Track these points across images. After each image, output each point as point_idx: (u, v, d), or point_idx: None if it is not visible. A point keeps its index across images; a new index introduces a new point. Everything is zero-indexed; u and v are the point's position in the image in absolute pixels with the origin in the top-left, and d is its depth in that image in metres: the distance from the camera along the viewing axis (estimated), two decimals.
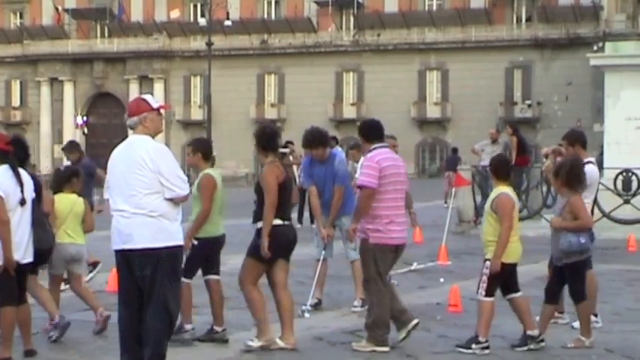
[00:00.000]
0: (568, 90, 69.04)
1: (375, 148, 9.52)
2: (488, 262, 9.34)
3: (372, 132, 9.69)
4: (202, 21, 70.96)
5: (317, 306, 11.75)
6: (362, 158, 10.82)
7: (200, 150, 10.14)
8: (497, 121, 63.41)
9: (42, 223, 9.18)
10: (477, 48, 72.15)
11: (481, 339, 9.32)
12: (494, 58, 71.21)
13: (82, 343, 9.83)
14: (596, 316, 10.68)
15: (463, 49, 72.60)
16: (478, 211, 23.46)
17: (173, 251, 7.71)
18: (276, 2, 78.38)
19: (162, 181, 7.59)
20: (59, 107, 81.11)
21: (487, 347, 9.30)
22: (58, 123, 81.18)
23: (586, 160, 10.69)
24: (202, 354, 9.39)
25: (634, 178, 20.93)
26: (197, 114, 77.54)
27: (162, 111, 8.02)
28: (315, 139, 11.67)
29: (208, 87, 65.59)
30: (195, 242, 9.76)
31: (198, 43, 75.63)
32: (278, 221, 9.40)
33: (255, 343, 9.43)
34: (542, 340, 9.46)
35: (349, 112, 75.24)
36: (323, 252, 11.77)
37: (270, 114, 76.81)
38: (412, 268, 15.75)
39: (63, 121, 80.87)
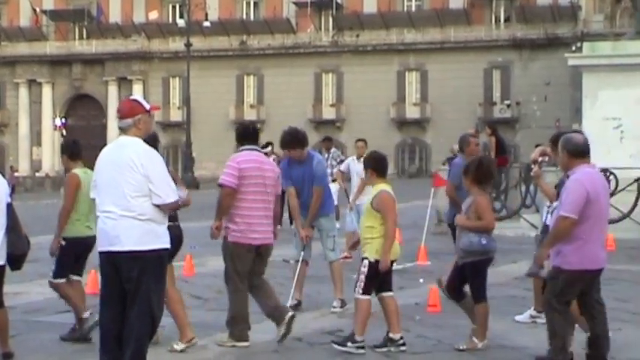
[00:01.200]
0: (547, 90, 69.32)
1: (241, 150, 9.82)
2: (365, 261, 9.33)
3: (241, 136, 10.09)
4: (181, 22, 70.83)
5: (297, 307, 11.74)
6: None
7: (65, 151, 10.43)
8: (477, 122, 63.52)
9: (16, 228, 9.11)
10: (456, 48, 72.34)
11: (357, 338, 9.32)
12: (473, 58, 71.41)
13: (62, 346, 9.79)
14: None
15: (442, 49, 72.77)
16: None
17: (159, 254, 7.71)
18: (255, 3, 78.37)
19: (151, 187, 7.56)
20: (37, 109, 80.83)
21: (362, 347, 9.28)
22: (37, 125, 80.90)
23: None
24: (180, 355, 9.37)
25: (612, 177, 21.00)
26: (176, 115, 77.37)
27: (153, 113, 8.06)
28: (294, 139, 11.67)
29: (187, 88, 65.46)
30: (64, 242, 10.01)
31: (176, 45, 75.47)
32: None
33: (179, 346, 9.49)
34: (403, 344, 9.38)
35: (328, 113, 75.31)
36: (302, 253, 11.77)
37: (250, 115, 76.74)
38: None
39: (41, 122, 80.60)
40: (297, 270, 11.82)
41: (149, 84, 79.02)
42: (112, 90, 78.73)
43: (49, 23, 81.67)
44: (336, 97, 75.84)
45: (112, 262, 7.69)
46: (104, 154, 7.86)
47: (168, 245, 7.79)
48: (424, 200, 20.82)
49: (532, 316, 10.96)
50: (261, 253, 9.94)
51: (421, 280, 14.31)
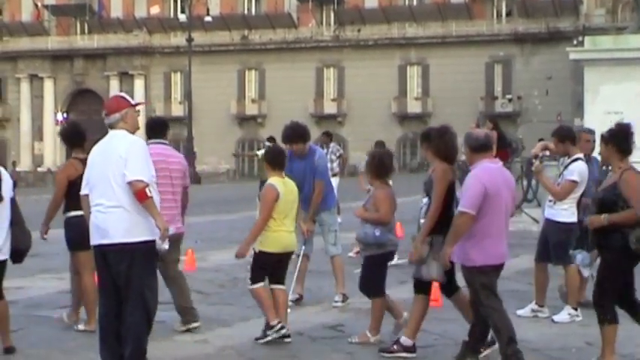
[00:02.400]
0: (548, 84, 69.27)
1: (149, 144, 9.81)
2: (251, 251, 9.64)
3: (149, 129, 10.78)
4: (182, 17, 70.86)
5: (298, 301, 11.76)
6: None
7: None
8: (478, 116, 63.45)
9: (20, 222, 9.15)
10: (458, 43, 72.27)
11: (272, 323, 9.47)
12: (474, 52, 71.34)
13: (63, 340, 9.80)
14: (576, 309, 10.74)
15: (443, 44, 72.70)
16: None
17: (148, 245, 7.75)
18: None
19: (124, 169, 7.63)
20: (39, 104, 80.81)
21: (283, 328, 9.47)
22: (38, 120, 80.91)
23: (575, 156, 10.77)
24: (181, 349, 9.39)
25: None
26: (177, 110, 77.36)
27: (138, 108, 8.15)
28: (295, 133, 11.67)
29: (189, 83, 65.47)
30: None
31: (178, 39, 75.46)
32: (75, 212, 9.69)
33: (82, 327, 10.03)
34: (282, 328, 9.54)
35: (330, 108, 75.28)
36: (303, 247, 11.78)
37: (251, 110, 76.79)
38: (393, 263, 15.73)
39: (43, 117, 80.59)
40: (299, 264, 11.82)
41: (151, 79, 79.02)
42: (114, 85, 78.68)
43: (50, 18, 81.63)
44: (337, 91, 75.80)
45: (104, 255, 7.77)
46: (94, 150, 8.01)
47: (154, 237, 7.79)
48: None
49: (533, 310, 10.98)
50: (170, 241, 10.00)
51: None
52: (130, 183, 7.63)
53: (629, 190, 8.21)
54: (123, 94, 8.34)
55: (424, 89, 74.13)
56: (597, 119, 22.53)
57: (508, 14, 73.39)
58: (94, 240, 7.82)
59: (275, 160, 9.89)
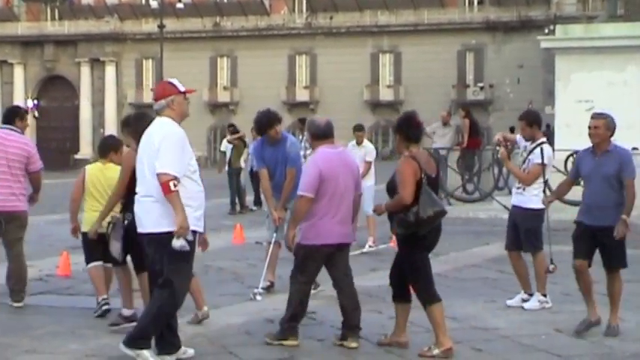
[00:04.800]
0: (520, 72, 69.49)
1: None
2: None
3: (3, 116, 11.09)
4: (154, 3, 70.49)
5: (269, 289, 11.74)
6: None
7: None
8: (450, 104, 63.70)
9: None
10: (430, 31, 72.36)
11: (99, 298, 10.15)
12: (446, 40, 71.46)
13: (32, 328, 9.75)
14: (545, 296, 10.78)
15: (416, 32, 72.78)
16: None
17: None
18: None
19: (157, 157, 7.67)
20: (9, 90, 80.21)
21: (106, 304, 10.03)
22: (9, 106, 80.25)
23: (540, 140, 10.82)
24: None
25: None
26: (149, 97, 76.60)
27: (187, 95, 8.09)
28: (270, 118, 11.70)
29: (160, 70, 65.22)
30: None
31: (149, 26, 75.14)
32: None
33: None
34: (106, 304, 10.13)
35: (302, 95, 75.23)
36: (275, 235, 11.76)
37: (223, 97, 76.60)
38: (364, 250, 15.82)
39: (13, 104, 79.95)
40: (270, 252, 11.82)
41: (122, 65, 78.65)
42: (85, 71, 78.29)
43: (20, 4, 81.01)
44: (309, 79, 75.74)
45: (142, 242, 8.00)
46: (142, 139, 8.01)
47: (192, 227, 7.79)
48: None
49: (524, 300, 10.88)
50: (8, 219, 10.69)
51: None
52: (158, 175, 7.65)
53: (398, 176, 8.62)
54: (173, 79, 8.21)
55: (396, 77, 74.20)
56: (568, 108, 22.70)
57: (480, 2, 73.54)
58: (137, 228, 8.01)
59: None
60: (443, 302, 8.76)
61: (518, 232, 10.90)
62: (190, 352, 8.28)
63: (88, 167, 10.53)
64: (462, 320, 9.98)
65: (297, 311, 8.94)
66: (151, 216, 7.75)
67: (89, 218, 10.10)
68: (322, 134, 9.07)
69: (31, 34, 79.47)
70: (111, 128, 77.00)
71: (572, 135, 22.18)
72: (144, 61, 78.42)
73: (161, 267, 7.81)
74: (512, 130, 43.47)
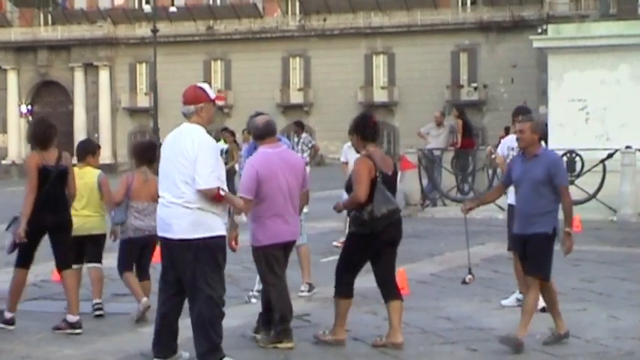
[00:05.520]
0: (513, 72, 69.52)
1: None
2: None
3: None
4: (147, 7, 70.57)
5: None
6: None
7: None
8: (444, 105, 63.68)
9: None
10: (423, 32, 72.35)
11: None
12: (440, 41, 71.46)
13: (27, 333, 9.75)
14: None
15: (409, 33, 72.76)
16: (425, 195, 23.62)
17: (213, 241, 7.74)
18: None
19: (194, 172, 7.63)
20: (3, 96, 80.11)
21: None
22: (2, 112, 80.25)
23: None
24: (146, 341, 9.34)
25: (577, 159, 21.13)
26: (143, 101, 77.04)
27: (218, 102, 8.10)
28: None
29: (154, 74, 65.18)
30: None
31: (143, 30, 75.06)
32: None
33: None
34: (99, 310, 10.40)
35: (296, 98, 75.21)
36: None
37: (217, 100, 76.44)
38: None
39: (7, 110, 79.94)
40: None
41: (116, 70, 78.57)
42: (79, 76, 78.21)
43: (13, 9, 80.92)
44: (303, 81, 75.72)
45: (168, 247, 7.86)
46: (166, 142, 7.99)
47: (222, 232, 7.82)
48: None
49: (519, 300, 10.71)
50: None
51: None
52: (203, 191, 7.64)
53: (353, 175, 8.80)
54: (203, 85, 8.15)
55: (390, 78, 74.19)
56: (561, 107, 22.73)
57: (473, 3, 73.53)
58: (159, 231, 7.91)
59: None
60: (351, 300, 9.06)
61: None
62: (185, 355, 8.27)
63: None
64: (457, 320, 10.00)
65: (283, 311, 8.95)
66: (182, 222, 7.69)
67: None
68: (261, 134, 9.20)
69: (24, 39, 79.37)
70: (105, 133, 77.08)
71: (565, 134, 22.25)
72: (137, 66, 78.35)
73: (193, 273, 7.75)
74: (507, 130, 43.51)
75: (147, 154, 10.59)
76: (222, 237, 7.86)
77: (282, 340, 8.90)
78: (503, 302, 10.89)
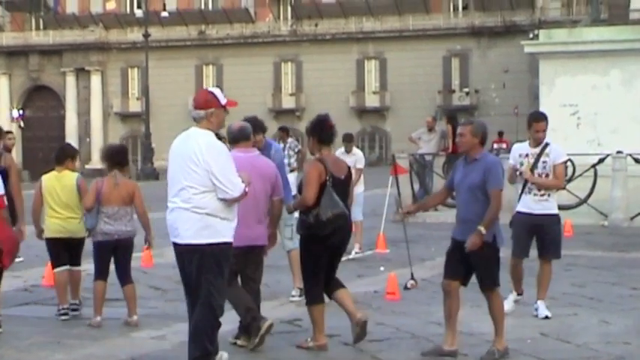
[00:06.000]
0: (505, 77, 69.61)
1: None
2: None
3: None
4: (139, 12, 70.48)
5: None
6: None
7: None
8: (436, 110, 63.75)
9: None
10: (415, 37, 72.42)
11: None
12: (431, 46, 71.55)
13: (18, 339, 9.73)
14: (521, 295, 10.72)
15: (401, 37, 72.83)
16: (417, 199, 23.61)
17: (219, 247, 7.69)
18: None
19: (214, 181, 7.60)
20: None
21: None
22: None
23: (546, 141, 10.55)
24: (138, 346, 9.34)
25: (569, 164, 21.15)
26: (135, 106, 77.00)
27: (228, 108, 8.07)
28: (256, 125, 11.70)
29: (146, 79, 65.14)
30: None
31: (134, 35, 75.05)
32: None
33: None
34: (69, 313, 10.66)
35: (288, 102, 75.23)
36: (292, 242, 11.76)
37: None
38: (350, 256, 15.82)
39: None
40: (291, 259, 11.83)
41: (107, 75, 78.53)
42: (70, 81, 78.14)
43: (4, 14, 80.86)
44: (295, 86, 75.75)
45: (177, 252, 7.87)
46: (174, 146, 7.94)
47: (229, 239, 7.78)
48: (384, 189, 20.85)
49: (515, 301, 10.80)
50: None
51: (382, 269, 14.37)
52: (230, 199, 7.67)
53: (304, 177, 8.94)
54: (215, 90, 8.09)
55: (382, 83, 74.26)
56: (553, 112, 22.65)
57: (464, 8, 73.67)
58: (170, 237, 7.90)
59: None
60: (324, 305, 9.10)
61: (530, 240, 10.57)
62: (225, 355, 8.26)
63: (44, 177, 10.94)
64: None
65: (245, 305, 9.04)
66: (189, 227, 7.66)
67: (49, 225, 10.77)
68: (234, 138, 9.33)
69: (15, 44, 79.28)
70: (97, 137, 77.01)
71: (557, 139, 22.05)
72: (129, 70, 78.32)
73: (198, 278, 7.73)
74: (500, 134, 43.54)
75: (117, 157, 10.60)
76: (229, 244, 7.79)
77: (239, 337, 9.14)
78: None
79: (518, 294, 10.86)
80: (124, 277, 10.56)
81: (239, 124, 9.47)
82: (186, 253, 7.74)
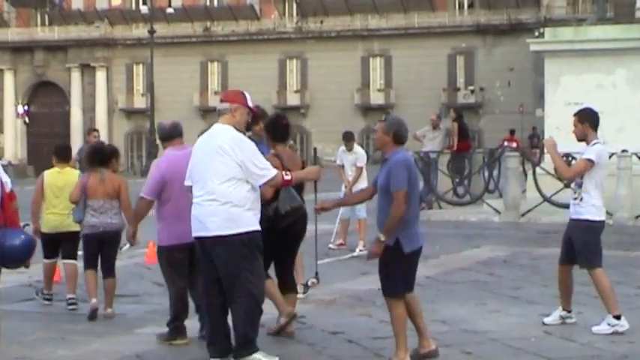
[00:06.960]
0: (510, 75, 69.53)
1: None
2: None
3: None
4: (144, 9, 70.56)
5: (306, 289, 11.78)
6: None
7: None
8: (441, 107, 63.69)
9: None
10: (420, 34, 72.33)
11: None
12: (437, 44, 71.46)
13: (22, 334, 9.73)
14: (618, 318, 9.72)
15: (406, 35, 72.76)
16: (421, 197, 23.60)
17: (248, 236, 7.85)
18: None
19: (250, 167, 7.82)
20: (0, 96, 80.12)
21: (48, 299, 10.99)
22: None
23: (595, 141, 10.05)
24: (142, 343, 9.34)
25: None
26: (140, 102, 77.01)
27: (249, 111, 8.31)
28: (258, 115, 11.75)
29: (151, 75, 65.17)
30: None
31: (140, 31, 75.04)
32: None
33: None
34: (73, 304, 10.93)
35: (293, 100, 75.22)
36: None
37: (214, 102, 76.20)
38: (355, 254, 15.82)
39: (3, 110, 79.84)
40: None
41: (112, 71, 78.54)
42: (75, 77, 78.15)
43: (10, 9, 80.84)
44: (300, 83, 75.72)
45: (204, 247, 7.95)
46: (198, 143, 8.17)
47: (256, 227, 7.93)
48: None
49: (562, 317, 9.98)
50: None
51: None
52: (268, 183, 7.99)
53: None
54: (244, 92, 8.36)
55: (387, 81, 74.22)
56: (558, 110, 22.70)
57: (470, 6, 73.57)
58: (194, 232, 7.98)
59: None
60: (274, 280, 9.34)
61: (573, 246, 9.84)
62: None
63: (46, 173, 11.36)
64: (452, 323, 9.98)
65: (178, 311, 9.20)
66: (216, 219, 7.79)
67: (47, 220, 11.17)
68: (167, 136, 9.46)
69: (21, 39, 79.31)
70: (102, 134, 76.90)
71: (561, 137, 22.16)
72: (134, 67, 78.32)
73: (229, 272, 7.83)
74: (512, 132, 43.48)
75: (95, 157, 10.95)
76: (258, 232, 7.94)
77: (176, 338, 9.14)
78: (546, 320, 9.95)
79: (564, 309, 9.96)
80: (107, 270, 10.83)
81: (171, 121, 9.65)
82: (214, 246, 7.84)
